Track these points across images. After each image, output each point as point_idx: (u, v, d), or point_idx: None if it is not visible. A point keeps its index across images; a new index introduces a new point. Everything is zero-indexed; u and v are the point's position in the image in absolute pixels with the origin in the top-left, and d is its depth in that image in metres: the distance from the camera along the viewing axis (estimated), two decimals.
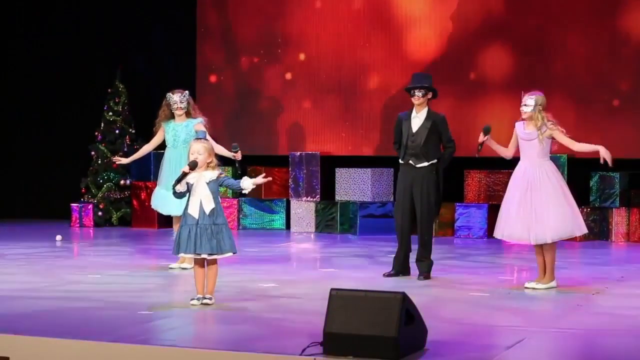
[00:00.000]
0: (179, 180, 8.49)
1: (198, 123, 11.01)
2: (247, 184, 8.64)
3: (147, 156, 16.38)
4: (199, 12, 16.83)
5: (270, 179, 8.99)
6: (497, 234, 9.70)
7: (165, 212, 11.29)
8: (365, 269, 11.26)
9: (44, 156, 17.38)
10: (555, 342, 7.22)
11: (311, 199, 15.71)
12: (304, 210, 15.74)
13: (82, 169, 16.53)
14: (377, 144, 15.68)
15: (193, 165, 8.46)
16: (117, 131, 16.44)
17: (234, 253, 8.58)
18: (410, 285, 9.43)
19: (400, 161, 10.39)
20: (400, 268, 10.36)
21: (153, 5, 17.05)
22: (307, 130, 16.20)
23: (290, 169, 15.81)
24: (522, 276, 10.98)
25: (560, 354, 6.88)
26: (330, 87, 16.08)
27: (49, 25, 17.43)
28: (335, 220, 15.50)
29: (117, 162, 11.71)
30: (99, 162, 16.34)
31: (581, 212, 14.10)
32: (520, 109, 9.62)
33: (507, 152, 9.85)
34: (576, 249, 13.53)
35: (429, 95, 10.28)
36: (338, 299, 6.64)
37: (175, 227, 10.74)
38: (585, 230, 9.80)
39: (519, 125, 9.68)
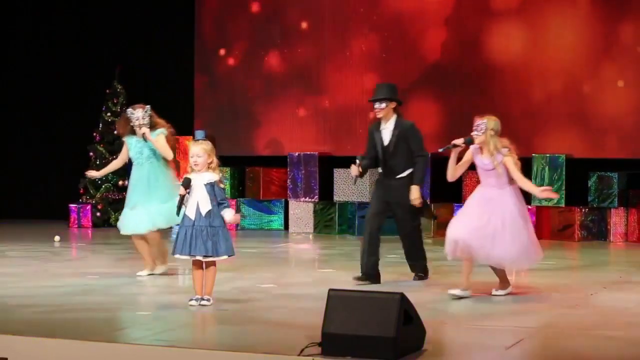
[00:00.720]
0: (179, 206, 8.51)
1: (159, 134, 10.43)
2: (227, 215, 8.52)
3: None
4: (197, 13, 16.83)
5: (239, 219, 8.70)
6: (449, 253, 8.98)
7: (124, 232, 10.55)
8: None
9: (43, 157, 17.39)
10: (553, 342, 7.23)
11: (309, 200, 15.72)
12: (302, 210, 15.74)
13: (81, 170, 16.52)
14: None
15: (187, 184, 8.46)
16: (115, 132, 16.41)
17: (229, 256, 8.56)
18: (409, 286, 9.43)
19: (379, 170, 10.07)
20: (369, 272, 9.91)
21: (152, 6, 17.05)
22: (306, 131, 16.20)
23: (288, 169, 15.82)
24: (520, 276, 10.97)
25: (558, 354, 6.88)
26: (329, 87, 16.08)
27: (48, 26, 17.44)
28: (334, 220, 15.51)
29: (89, 176, 11.43)
30: (98, 162, 16.33)
31: (580, 212, 14.33)
32: (472, 134, 9.01)
33: (452, 172, 9.16)
34: (574, 249, 13.54)
35: (393, 105, 9.89)
36: (336, 299, 6.64)
37: (154, 242, 10.43)
38: (539, 260, 9.25)
39: (475, 151, 9.05)
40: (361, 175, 9.99)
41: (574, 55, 14.82)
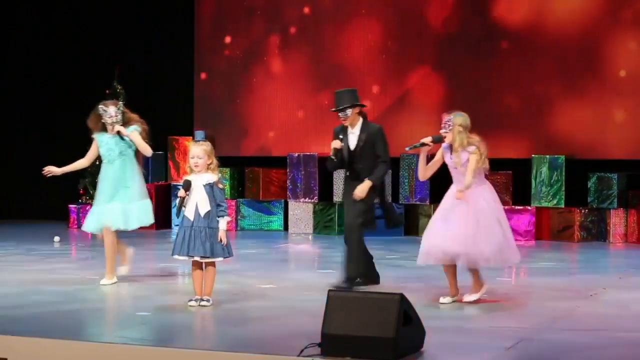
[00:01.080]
0: (178, 208, 8.51)
1: (132, 131, 10.07)
2: (222, 224, 8.53)
3: (144, 158, 16.42)
4: (197, 13, 16.82)
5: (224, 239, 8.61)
6: (421, 260, 8.82)
7: (94, 230, 10.15)
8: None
9: (43, 157, 17.33)
10: (553, 343, 7.23)
11: (309, 200, 15.71)
12: (302, 211, 15.73)
13: (80, 170, 16.49)
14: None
15: (187, 186, 8.47)
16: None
17: (225, 257, 8.56)
18: (409, 286, 9.43)
19: (347, 173, 9.83)
20: (367, 273, 9.79)
21: (151, 6, 17.05)
22: (305, 131, 16.19)
23: (288, 170, 15.81)
24: (520, 277, 10.98)
25: (558, 355, 6.88)
26: (329, 87, 16.07)
27: (47, 26, 17.42)
28: (334, 221, 15.49)
29: (47, 174, 10.61)
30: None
31: (579, 213, 14.33)
32: (440, 131, 8.80)
33: (423, 172, 8.97)
34: (574, 250, 13.53)
35: (357, 110, 9.71)
36: (336, 299, 6.64)
37: (110, 246, 9.96)
38: (516, 261, 8.92)
39: (445, 149, 8.82)
40: (336, 161, 9.69)
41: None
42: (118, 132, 10.01)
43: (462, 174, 8.67)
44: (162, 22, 17.05)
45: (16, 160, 17.63)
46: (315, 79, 16.09)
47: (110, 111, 10.07)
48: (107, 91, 16.51)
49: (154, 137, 16.55)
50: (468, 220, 8.59)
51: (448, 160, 8.79)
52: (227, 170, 15.69)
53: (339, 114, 9.73)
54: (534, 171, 14.60)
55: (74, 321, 8.02)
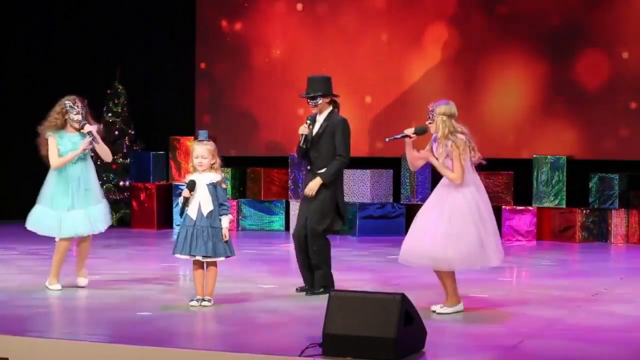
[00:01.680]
0: (182, 208, 8.51)
1: (96, 130, 9.64)
2: (224, 222, 8.52)
3: (146, 157, 16.47)
4: (198, 12, 16.82)
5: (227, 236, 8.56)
6: (401, 258, 8.49)
7: (64, 235, 9.65)
8: (364, 270, 11.26)
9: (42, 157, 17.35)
10: (554, 343, 7.22)
11: None
12: None
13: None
14: (376, 145, 15.66)
15: (192, 187, 8.46)
16: (116, 132, 16.43)
17: (227, 257, 8.57)
18: (410, 286, 9.42)
19: (309, 167, 9.62)
20: (310, 283, 9.45)
21: (152, 6, 17.04)
22: None
23: (289, 170, 15.80)
24: (521, 278, 10.98)
25: (559, 356, 6.88)
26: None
27: (48, 26, 17.42)
28: None
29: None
30: (98, 163, 16.32)
31: (580, 213, 14.32)
32: (426, 122, 8.40)
33: (412, 162, 8.66)
34: (575, 251, 13.53)
35: (327, 100, 9.44)
36: (337, 300, 6.64)
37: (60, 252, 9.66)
38: (494, 264, 8.39)
39: (433, 140, 8.42)
40: (304, 149, 9.42)
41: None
42: (89, 132, 9.52)
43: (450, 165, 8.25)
44: (163, 21, 17.04)
45: (17, 160, 17.63)
46: None
47: (79, 108, 9.61)
48: (108, 91, 16.54)
49: (155, 137, 16.69)
50: (439, 222, 8.20)
51: (435, 152, 8.36)
52: (229, 170, 15.68)
53: (310, 101, 9.50)
54: (536, 171, 14.60)
55: (74, 321, 8.02)
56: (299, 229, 9.43)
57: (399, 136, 8.58)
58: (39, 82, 17.53)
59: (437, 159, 8.33)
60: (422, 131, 8.46)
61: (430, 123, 8.34)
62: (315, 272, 9.38)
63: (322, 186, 9.32)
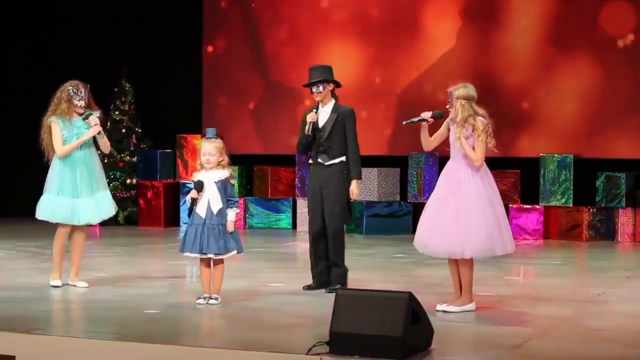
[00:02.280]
0: (190, 209, 8.49)
1: (98, 115, 9.47)
2: (230, 215, 8.51)
3: (153, 155, 16.49)
4: (205, 10, 16.83)
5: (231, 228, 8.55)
6: (417, 244, 8.36)
7: (81, 222, 9.60)
8: (371, 268, 11.26)
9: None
10: (561, 342, 7.22)
11: None
12: None
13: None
14: (383, 143, 15.66)
15: (199, 188, 8.45)
16: (123, 130, 16.45)
17: (239, 252, 8.58)
18: (417, 285, 9.43)
19: (310, 161, 9.52)
20: (320, 280, 9.41)
21: (159, 4, 17.05)
22: None
23: (296, 168, 15.81)
24: (528, 276, 10.98)
25: (565, 355, 6.87)
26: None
27: (54, 24, 17.43)
28: None
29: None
30: (105, 161, 16.35)
31: (587, 212, 14.31)
32: (446, 106, 8.30)
33: (425, 142, 8.42)
34: (582, 249, 13.53)
35: (330, 87, 9.37)
36: (344, 298, 6.64)
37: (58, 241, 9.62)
38: (510, 250, 8.31)
39: (451, 121, 8.27)
40: (310, 139, 9.33)
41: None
42: (95, 124, 9.37)
43: (460, 150, 8.16)
44: (170, 20, 17.05)
45: (24, 158, 17.65)
46: None
47: (83, 93, 9.44)
48: (115, 89, 16.55)
49: (163, 135, 16.69)
50: (449, 213, 8.09)
51: (452, 134, 8.23)
52: (236, 168, 15.69)
53: (312, 88, 9.41)
54: (543, 170, 14.59)
55: (81, 319, 8.03)
56: (315, 223, 9.38)
57: (416, 119, 8.45)
58: (45, 80, 17.53)
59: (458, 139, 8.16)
60: (439, 115, 8.39)
61: (449, 107, 8.25)
62: (333, 269, 9.37)
63: (340, 181, 9.32)
